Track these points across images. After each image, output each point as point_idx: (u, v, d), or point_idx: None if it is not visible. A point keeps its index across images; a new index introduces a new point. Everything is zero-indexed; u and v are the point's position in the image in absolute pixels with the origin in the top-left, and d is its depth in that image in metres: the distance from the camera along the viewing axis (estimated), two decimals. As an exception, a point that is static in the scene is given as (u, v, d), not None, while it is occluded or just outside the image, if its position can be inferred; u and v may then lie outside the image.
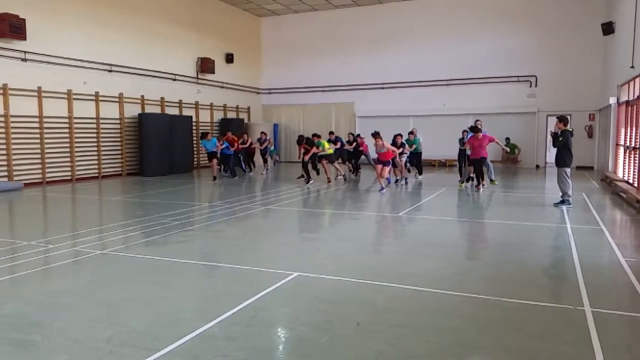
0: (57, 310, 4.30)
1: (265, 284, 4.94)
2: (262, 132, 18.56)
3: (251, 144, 18.02)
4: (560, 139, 9.74)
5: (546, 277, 5.53)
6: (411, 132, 15.69)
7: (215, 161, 15.98)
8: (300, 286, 4.97)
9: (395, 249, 6.91)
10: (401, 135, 14.40)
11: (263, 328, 3.91)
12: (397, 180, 14.04)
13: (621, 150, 14.58)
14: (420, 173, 15.95)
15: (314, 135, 15.22)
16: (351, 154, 16.65)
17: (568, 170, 9.88)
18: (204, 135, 16.32)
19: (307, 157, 14.42)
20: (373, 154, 14.05)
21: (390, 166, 12.78)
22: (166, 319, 4.06)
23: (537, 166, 21.09)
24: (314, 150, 14.45)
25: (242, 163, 17.51)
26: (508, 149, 15.31)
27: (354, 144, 16.40)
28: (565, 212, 9.34)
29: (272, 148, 19.67)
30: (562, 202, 9.97)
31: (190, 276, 5.51)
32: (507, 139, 20.88)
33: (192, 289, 5.03)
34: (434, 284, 4.99)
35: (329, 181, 14.61)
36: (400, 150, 13.39)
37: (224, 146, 16.19)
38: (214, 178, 15.59)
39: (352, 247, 6.97)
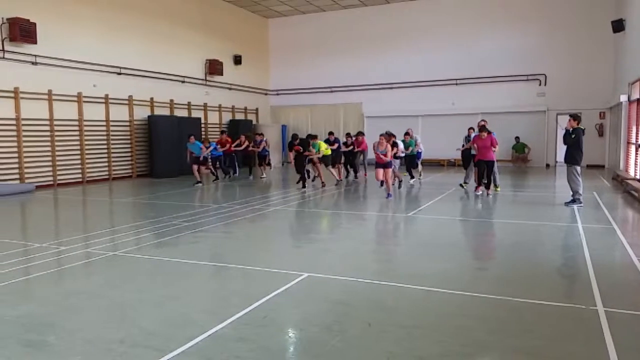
0: (70, 311, 4.35)
1: (276, 284, 4.96)
2: (256, 134, 17.72)
3: (247, 146, 17.11)
4: (573, 136, 9.68)
5: (558, 276, 5.50)
6: (407, 134, 14.62)
7: (195, 167, 15.01)
8: (311, 287, 4.98)
9: (404, 250, 6.90)
10: (394, 136, 13.18)
11: (274, 329, 3.92)
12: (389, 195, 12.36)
13: (632, 148, 14.44)
14: (411, 176, 14.63)
15: (309, 136, 14.43)
16: (348, 156, 15.86)
17: (578, 168, 9.81)
18: (188, 138, 15.36)
19: (291, 156, 13.93)
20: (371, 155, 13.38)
21: (391, 168, 11.88)
22: (178, 320, 4.09)
23: (547, 165, 20.95)
24: (307, 153, 13.71)
25: (235, 166, 16.83)
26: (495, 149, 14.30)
27: (351, 146, 15.64)
28: (577, 211, 9.27)
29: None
30: (573, 201, 9.90)
31: (201, 277, 5.54)
32: (517, 138, 20.79)
33: (203, 290, 5.05)
34: (444, 284, 4.98)
35: (323, 185, 13.89)
36: (394, 151, 12.38)
37: (211, 148, 15.40)
38: (216, 179, 15.47)
39: (361, 247, 6.98)
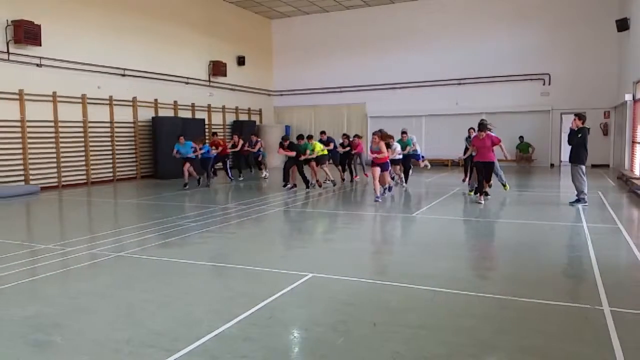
0: (77, 312, 4.37)
1: (281, 284, 4.97)
2: (251, 135, 17.33)
3: (243, 146, 16.61)
4: (579, 135, 9.64)
5: (563, 276, 5.48)
6: (404, 132, 13.92)
7: (187, 165, 14.24)
8: (316, 287, 4.99)
9: (409, 250, 6.90)
10: (392, 137, 12.30)
11: (280, 329, 3.93)
12: (390, 188, 12.12)
13: (638, 147, 14.40)
14: (405, 180, 13.84)
15: (300, 137, 13.68)
16: (343, 157, 15.47)
17: (583, 167, 9.79)
18: (177, 139, 14.49)
19: (281, 152, 13.34)
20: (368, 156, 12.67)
21: (388, 170, 11.45)
22: (184, 320, 4.10)
23: (552, 165, 20.90)
24: (291, 154, 13.13)
25: (229, 170, 16.32)
26: (509, 157, 12.80)
27: (348, 147, 15.14)
28: (581, 211, 9.25)
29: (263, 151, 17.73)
30: (578, 200, 9.87)
31: (207, 277, 5.57)
32: (521, 137, 20.75)
33: (209, 290, 5.07)
34: (449, 284, 4.97)
35: (319, 185, 13.71)
36: (389, 152, 11.64)
37: (203, 150, 14.63)
38: (185, 185, 14.11)
39: (366, 247, 6.99)
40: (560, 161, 20.84)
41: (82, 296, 4.83)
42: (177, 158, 14.52)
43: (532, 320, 4.05)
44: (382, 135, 11.27)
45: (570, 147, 9.99)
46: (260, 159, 17.18)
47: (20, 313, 4.35)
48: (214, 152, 15.35)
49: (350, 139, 15.48)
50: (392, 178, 12.80)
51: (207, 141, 16.17)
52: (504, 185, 11.96)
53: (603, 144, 19.72)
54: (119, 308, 4.44)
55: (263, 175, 17.07)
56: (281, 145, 13.56)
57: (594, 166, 18.78)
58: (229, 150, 16.40)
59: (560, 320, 4.05)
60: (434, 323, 4.01)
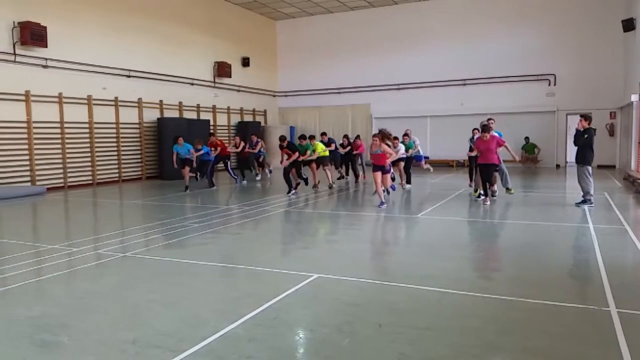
0: (83, 312, 4.38)
1: (286, 285, 4.97)
2: (251, 135, 17.13)
3: (244, 147, 16.40)
4: (585, 136, 9.60)
5: (569, 277, 5.46)
6: (405, 134, 13.72)
7: (187, 169, 13.94)
8: (321, 288, 4.99)
9: (414, 250, 6.89)
10: (396, 138, 12.41)
11: (285, 329, 3.93)
12: (393, 187, 12.08)
13: (644, 148, 14.33)
14: (408, 181, 13.65)
15: (302, 137, 13.49)
16: (344, 158, 15.49)
17: (590, 168, 9.74)
18: (175, 140, 14.20)
19: (286, 164, 12.69)
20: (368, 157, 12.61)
21: (390, 173, 11.08)
22: (190, 321, 4.11)
23: (558, 165, 20.83)
24: (295, 157, 12.68)
25: (231, 171, 15.87)
26: (518, 158, 12.77)
27: (348, 147, 15.15)
28: (587, 212, 9.20)
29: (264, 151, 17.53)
30: (584, 201, 9.82)
31: (212, 278, 5.57)
32: (527, 138, 20.68)
33: (214, 291, 5.07)
34: (455, 285, 4.96)
35: (316, 186, 13.50)
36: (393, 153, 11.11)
37: (202, 152, 14.32)
38: (186, 188, 13.75)
39: (370, 248, 6.99)
40: (566, 162, 20.77)
41: (88, 296, 4.85)
42: (175, 166, 14.18)
43: (538, 321, 4.03)
44: (383, 136, 10.62)
45: (576, 148, 9.95)
46: (261, 159, 17.22)
47: (26, 313, 4.37)
48: (213, 154, 14.97)
49: (351, 140, 15.56)
50: (393, 179, 12.76)
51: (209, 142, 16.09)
52: (508, 190, 11.56)
53: (609, 145, 19.62)
54: (124, 308, 4.46)
55: (258, 177, 17.03)
56: (281, 148, 13.06)
57: (600, 167, 18.69)
58: (228, 151, 16.15)
59: (566, 321, 4.03)
60: (439, 324, 4.00)
